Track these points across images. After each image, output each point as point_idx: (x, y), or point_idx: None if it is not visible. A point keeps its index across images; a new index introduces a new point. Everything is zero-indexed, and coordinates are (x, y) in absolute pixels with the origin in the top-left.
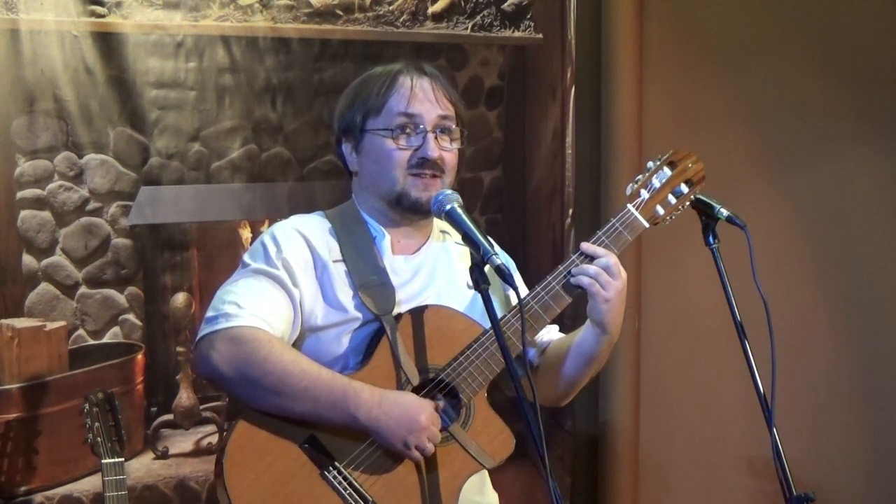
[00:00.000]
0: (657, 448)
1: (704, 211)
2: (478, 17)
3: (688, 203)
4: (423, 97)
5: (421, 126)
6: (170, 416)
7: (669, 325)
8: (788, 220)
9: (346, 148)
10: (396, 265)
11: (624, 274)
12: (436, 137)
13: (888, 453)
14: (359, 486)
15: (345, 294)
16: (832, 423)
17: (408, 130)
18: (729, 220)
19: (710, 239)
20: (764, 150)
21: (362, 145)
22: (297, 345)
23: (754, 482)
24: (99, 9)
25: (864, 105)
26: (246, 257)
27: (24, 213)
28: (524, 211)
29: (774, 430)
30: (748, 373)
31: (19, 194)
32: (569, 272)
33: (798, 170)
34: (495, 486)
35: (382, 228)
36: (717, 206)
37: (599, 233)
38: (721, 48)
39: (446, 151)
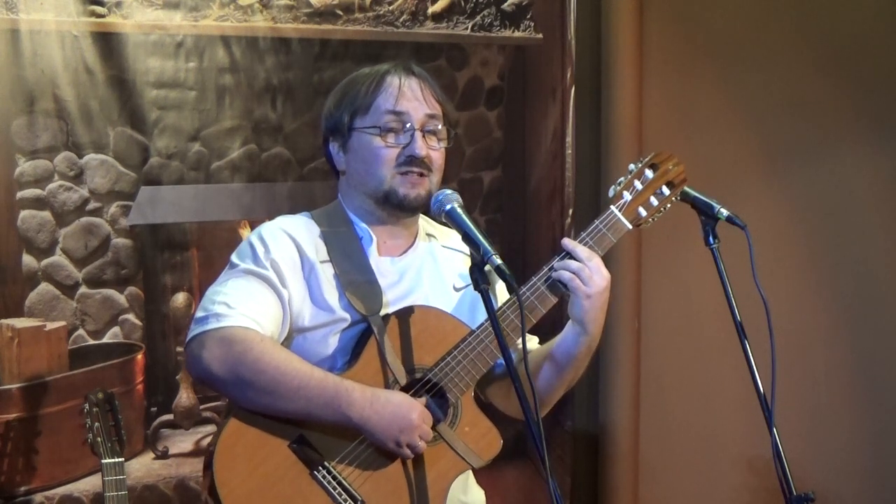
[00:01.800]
0: (657, 448)
1: (704, 211)
2: (478, 17)
3: (669, 205)
4: (410, 96)
5: (408, 124)
6: (170, 416)
7: (669, 325)
8: (788, 220)
9: (334, 147)
10: (383, 267)
11: (607, 274)
12: (423, 136)
13: (888, 453)
14: (348, 486)
15: (332, 295)
16: (832, 423)
17: (395, 128)
18: (729, 220)
19: (710, 239)
20: (764, 150)
21: (350, 144)
22: (284, 345)
23: (754, 482)
24: (99, 9)
25: (864, 105)
26: (234, 258)
27: (24, 213)
28: (524, 211)
29: (774, 430)
30: (748, 373)
31: (19, 194)
32: (552, 269)
33: (798, 170)
34: (495, 485)
35: (368, 228)
36: (717, 206)
37: (583, 234)
38: (721, 48)
39: (433, 150)
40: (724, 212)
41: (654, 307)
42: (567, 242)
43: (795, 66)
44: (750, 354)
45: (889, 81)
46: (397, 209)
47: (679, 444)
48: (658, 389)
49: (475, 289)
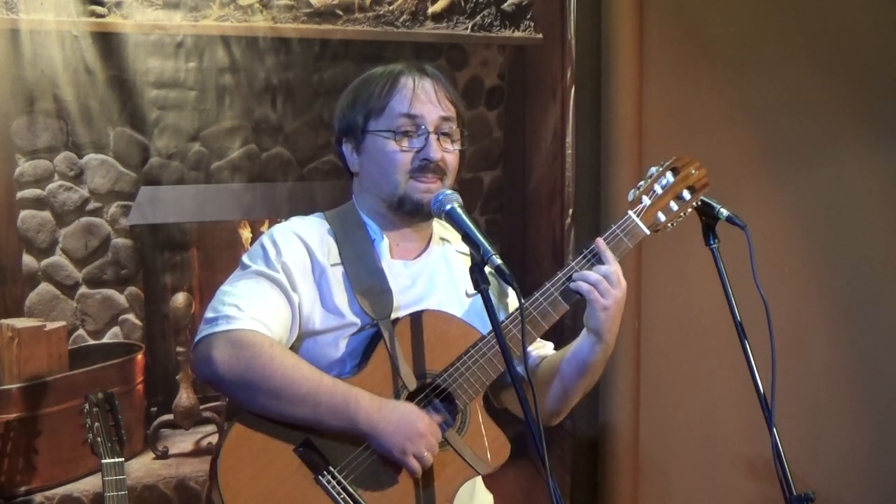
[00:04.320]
0: (657, 448)
1: (704, 211)
2: (478, 17)
3: (690, 210)
4: (424, 98)
5: (423, 127)
6: (170, 416)
7: (669, 325)
8: (788, 220)
9: (347, 148)
10: (395, 270)
11: (624, 283)
12: (437, 139)
13: (888, 453)
14: (353, 491)
15: (342, 299)
16: (832, 423)
17: (409, 132)
18: (729, 220)
19: (710, 239)
20: (764, 151)
21: (363, 146)
22: (294, 349)
23: (754, 482)
24: (99, 9)
25: (864, 105)
26: (245, 259)
27: (24, 213)
28: (524, 211)
29: (774, 430)
30: (748, 373)
31: (19, 194)
32: (568, 278)
33: (798, 170)
34: (495, 487)
35: (381, 231)
36: (718, 207)
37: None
38: (721, 48)
39: (448, 153)
40: (724, 212)
41: (654, 307)
42: (601, 244)
43: (795, 66)
44: (750, 354)
45: (889, 81)
46: (410, 215)
47: (679, 443)
48: (658, 389)
49: (475, 289)
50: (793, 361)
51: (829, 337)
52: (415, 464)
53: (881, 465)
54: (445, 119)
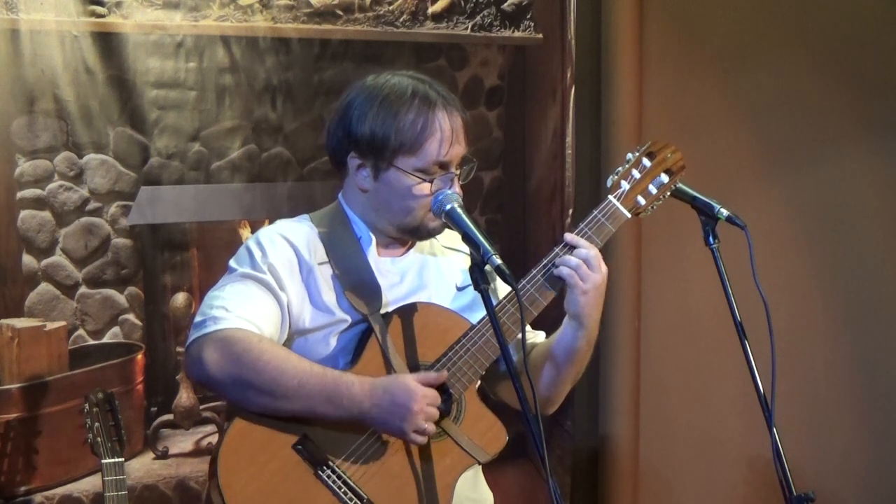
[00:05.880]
0: (657, 448)
1: (704, 211)
2: (478, 17)
3: (668, 193)
4: (455, 140)
5: (451, 170)
6: (170, 416)
7: (669, 325)
8: (788, 221)
9: (356, 163)
10: (383, 266)
11: (604, 268)
12: (458, 176)
13: (888, 453)
14: (353, 484)
15: (331, 296)
16: (832, 423)
17: (439, 174)
18: (729, 220)
19: (710, 239)
20: (764, 150)
21: (385, 176)
22: (285, 347)
23: (754, 482)
24: (99, 9)
25: (864, 105)
26: (232, 263)
27: (24, 213)
28: (524, 211)
29: (774, 430)
30: (748, 373)
31: (19, 194)
32: (552, 265)
33: (798, 170)
34: (495, 485)
35: (369, 230)
36: (717, 206)
37: (582, 224)
38: (721, 48)
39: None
40: (724, 212)
41: (654, 307)
42: (569, 237)
43: (795, 66)
44: (750, 354)
45: (889, 81)
46: (419, 238)
47: (679, 444)
48: (658, 389)
49: (475, 289)
50: (793, 361)
51: (829, 337)
52: (417, 438)
53: (881, 464)
54: (464, 157)
